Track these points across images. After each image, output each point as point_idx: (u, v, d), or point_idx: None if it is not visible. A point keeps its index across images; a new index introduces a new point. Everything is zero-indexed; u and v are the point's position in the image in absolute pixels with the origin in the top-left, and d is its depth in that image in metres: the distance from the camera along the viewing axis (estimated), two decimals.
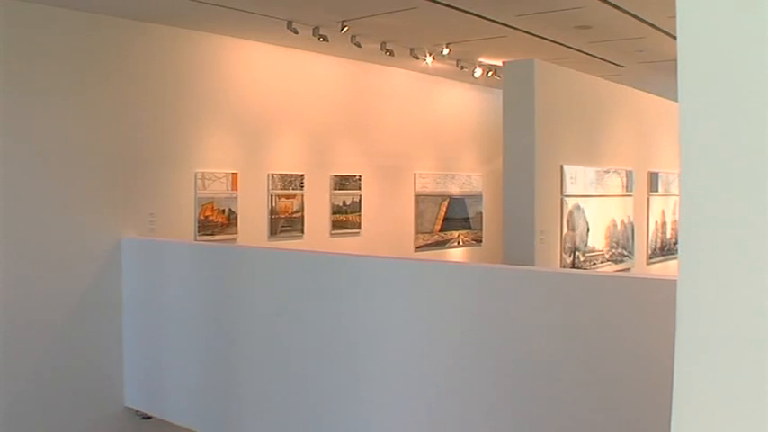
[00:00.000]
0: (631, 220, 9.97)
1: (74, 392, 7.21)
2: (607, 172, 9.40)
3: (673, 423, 1.26)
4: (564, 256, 8.52)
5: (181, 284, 6.86)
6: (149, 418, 7.50)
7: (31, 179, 6.90)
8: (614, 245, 9.55)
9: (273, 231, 8.91)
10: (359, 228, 9.96)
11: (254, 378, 6.06)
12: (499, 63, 9.68)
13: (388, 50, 9.00)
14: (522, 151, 8.06)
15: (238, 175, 8.54)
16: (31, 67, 6.87)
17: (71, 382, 7.18)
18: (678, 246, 1.27)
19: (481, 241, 11.96)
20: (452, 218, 11.52)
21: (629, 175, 9.89)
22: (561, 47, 9.04)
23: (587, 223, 8.98)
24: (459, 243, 11.57)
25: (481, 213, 11.99)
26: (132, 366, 7.40)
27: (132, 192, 7.58)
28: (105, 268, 7.33)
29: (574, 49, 9.19)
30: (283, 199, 9.02)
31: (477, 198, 11.94)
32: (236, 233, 8.48)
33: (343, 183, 9.77)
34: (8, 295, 6.75)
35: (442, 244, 11.28)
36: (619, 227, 9.66)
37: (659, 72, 10.59)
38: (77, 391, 7.23)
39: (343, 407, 5.34)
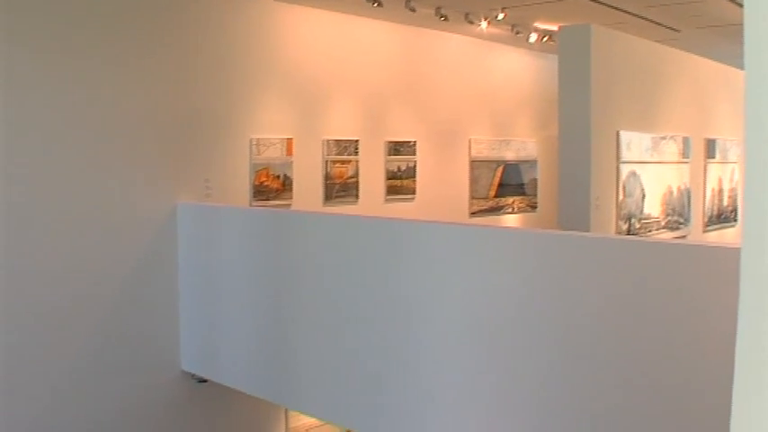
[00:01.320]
0: (687, 186, 9.82)
1: (131, 357, 7.27)
2: (663, 138, 9.25)
3: (734, 398, 1.20)
4: (619, 222, 8.41)
5: (236, 249, 6.86)
6: (205, 381, 7.54)
7: (89, 146, 6.93)
8: (670, 212, 9.41)
9: (328, 197, 8.89)
10: (413, 193, 9.90)
11: (309, 343, 6.06)
12: (554, 28, 9.53)
13: (442, 15, 8.90)
14: (577, 117, 7.96)
15: (293, 140, 8.52)
16: (86, 35, 6.88)
17: (129, 347, 7.24)
18: (741, 214, 1.20)
19: (536, 207, 11.86)
20: (507, 184, 11.42)
21: (685, 141, 9.73)
22: (617, 11, 8.87)
23: (643, 190, 8.86)
24: (513, 209, 11.48)
25: (536, 179, 11.87)
26: (188, 331, 7.43)
27: (188, 158, 7.60)
28: (161, 234, 7.36)
29: (630, 13, 9.01)
30: (338, 164, 9.00)
31: (531, 164, 11.82)
32: (290, 199, 8.47)
33: (397, 148, 9.71)
34: (67, 262, 6.81)
35: (496, 210, 11.19)
36: (675, 194, 9.52)
37: (715, 37, 10.38)
38: (135, 356, 7.29)
39: (397, 371, 5.31)
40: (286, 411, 8.60)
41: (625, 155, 8.41)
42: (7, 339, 6.55)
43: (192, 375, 7.57)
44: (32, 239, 6.62)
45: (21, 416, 6.68)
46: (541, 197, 11.90)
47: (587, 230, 7.57)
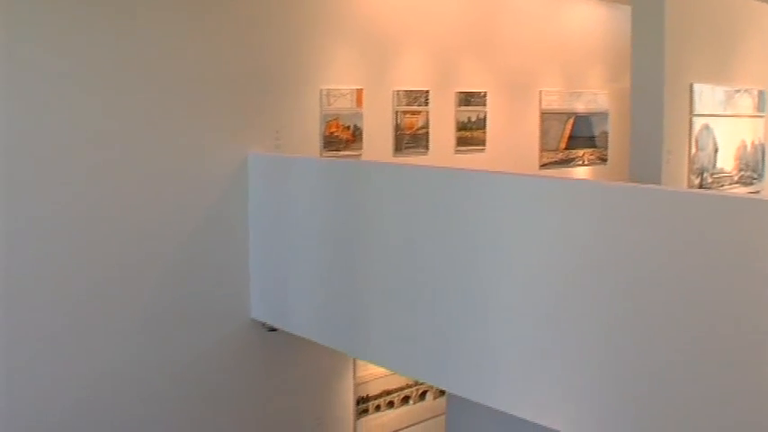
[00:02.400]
0: (762, 141, 9.58)
1: (202, 306, 7.32)
2: (738, 92, 9.02)
3: None
4: (691, 177, 8.25)
5: (306, 200, 6.85)
6: (275, 330, 7.57)
7: (159, 98, 6.94)
8: (743, 167, 9.20)
9: (398, 147, 8.83)
10: (483, 144, 9.79)
11: (378, 293, 6.04)
12: None
13: None
14: (650, 69, 7.79)
15: (363, 91, 8.46)
16: None
17: (199, 296, 7.29)
18: None
19: (606, 160, 11.67)
20: (577, 136, 11.24)
21: (760, 95, 9.47)
22: None
23: (716, 144, 8.66)
24: (583, 161, 11.31)
25: (606, 132, 11.67)
26: (258, 280, 7.46)
27: (258, 109, 7.58)
28: (232, 184, 7.36)
29: None
30: (408, 115, 8.92)
31: (602, 116, 11.61)
32: (360, 149, 8.43)
33: (468, 99, 9.60)
34: (138, 213, 6.86)
35: (566, 162, 11.04)
36: (749, 148, 9.29)
37: None
38: (205, 305, 7.34)
39: (465, 324, 5.27)
40: (354, 361, 8.62)
41: (698, 108, 8.23)
42: (81, 290, 6.64)
43: (262, 324, 7.60)
44: (105, 192, 6.67)
45: (92, 367, 6.77)
46: (612, 150, 11.70)
47: (659, 184, 7.43)
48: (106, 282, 6.76)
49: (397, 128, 8.80)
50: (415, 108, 8.96)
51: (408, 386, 9.22)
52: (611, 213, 4.48)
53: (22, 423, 6.42)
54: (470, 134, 9.63)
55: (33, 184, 6.34)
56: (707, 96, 8.37)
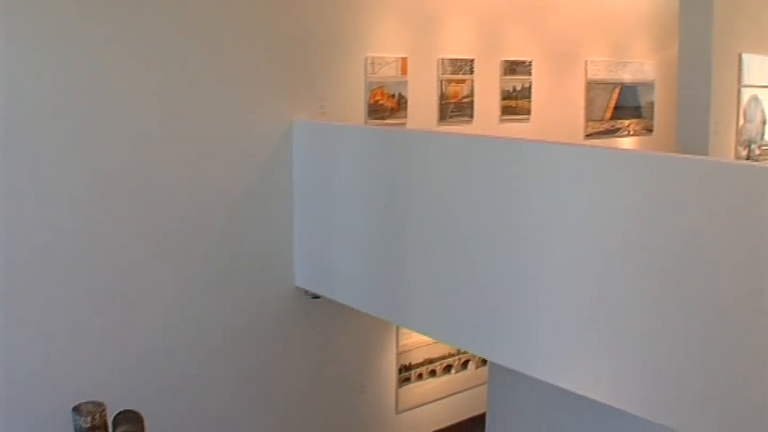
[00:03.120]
0: None
1: (247, 273, 7.34)
2: None
3: None
4: (738, 148, 8.12)
5: (350, 168, 6.81)
6: (318, 297, 7.57)
7: (206, 66, 6.94)
8: None
9: (443, 116, 8.76)
10: (528, 114, 9.69)
11: (421, 262, 6.00)
12: None
13: None
14: (698, 39, 7.66)
15: (408, 59, 8.39)
16: None
17: (244, 263, 7.31)
18: None
19: (652, 131, 11.50)
20: (623, 106, 11.09)
21: None
22: None
23: (764, 115, 8.52)
24: (629, 132, 11.17)
25: (653, 102, 11.50)
26: (302, 248, 7.44)
27: (304, 76, 7.54)
28: (277, 151, 7.34)
29: None
30: (453, 83, 8.84)
31: (648, 86, 11.43)
32: (405, 118, 8.36)
33: (513, 68, 9.49)
34: (184, 179, 6.88)
35: (611, 132, 10.91)
36: None
37: None
38: (250, 273, 7.36)
39: (508, 293, 5.22)
40: (397, 329, 8.61)
41: (747, 79, 8.08)
42: (130, 256, 6.69)
43: (306, 291, 7.60)
44: (153, 159, 6.70)
45: (139, 331, 6.85)
46: (658, 120, 11.53)
47: (705, 155, 7.32)
48: (154, 249, 6.81)
49: (442, 96, 8.73)
50: (459, 76, 8.88)
51: (451, 355, 9.20)
52: (656, 184, 4.40)
53: (82, 385, 6.48)
54: (515, 103, 9.53)
55: (84, 151, 6.38)
56: (756, 67, 8.22)
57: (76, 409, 6.09)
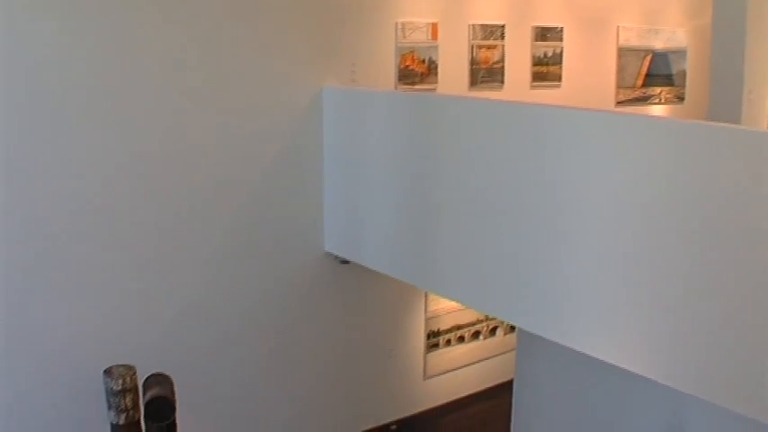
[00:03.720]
0: None
1: (276, 239, 7.32)
2: None
3: None
4: None
5: (380, 133, 6.74)
6: (347, 263, 7.54)
7: (237, 28, 6.88)
8: None
9: (473, 81, 8.66)
10: (559, 80, 9.55)
11: (451, 227, 5.94)
12: None
13: None
14: (732, 6, 7.52)
15: (439, 24, 8.28)
16: None
17: (273, 228, 7.28)
18: None
19: (683, 99, 11.34)
20: (655, 74, 10.94)
21: None
22: None
23: None
24: (660, 99, 11.02)
25: (685, 70, 11.33)
26: (332, 213, 7.41)
27: (334, 42, 7.46)
28: (307, 117, 7.28)
29: None
30: (484, 49, 8.73)
31: (681, 54, 11.26)
32: (436, 83, 8.27)
33: (544, 34, 9.36)
34: (215, 144, 6.84)
35: (643, 100, 10.76)
36: None
37: None
38: (279, 238, 7.34)
39: (537, 260, 5.16)
40: (426, 295, 8.58)
41: None
42: (160, 222, 6.68)
43: (335, 257, 7.58)
44: (182, 124, 6.66)
45: (169, 297, 6.87)
46: (690, 88, 11.37)
47: (738, 124, 7.19)
48: (185, 214, 6.80)
49: (473, 62, 8.62)
50: (490, 42, 8.77)
51: (479, 321, 9.16)
52: (688, 152, 4.30)
53: (113, 349, 6.53)
54: (546, 69, 9.41)
55: (116, 119, 6.35)
56: None
57: (107, 372, 6.13)
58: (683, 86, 11.30)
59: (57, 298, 6.34)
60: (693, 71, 11.22)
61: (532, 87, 9.26)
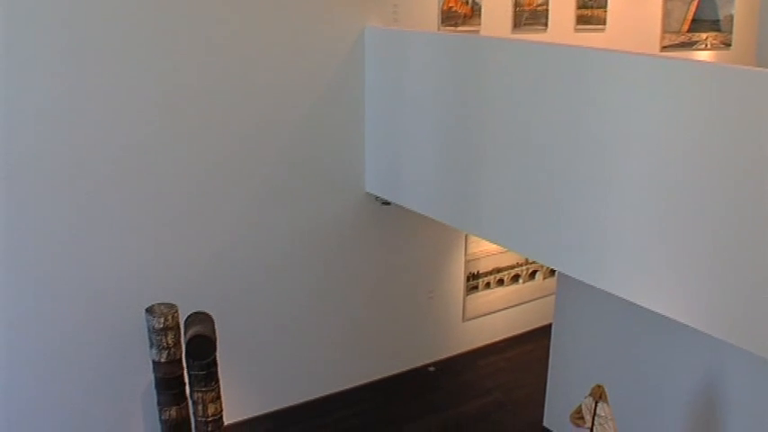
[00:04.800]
0: None
1: (317, 180, 7.26)
2: None
3: None
4: None
5: (422, 75, 6.61)
6: (388, 204, 7.47)
7: None
8: None
9: (517, 24, 8.45)
10: (604, 23, 9.31)
11: (493, 170, 5.83)
12: None
13: None
14: None
15: None
16: None
17: (314, 169, 7.22)
18: None
19: (730, 45, 11.05)
20: (701, 19, 10.65)
21: None
22: None
23: None
24: (706, 45, 10.74)
25: (732, 15, 11.03)
26: (373, 154, 7.32)
27: None
28: (348, 58, 7.16)
29: None
30: None
31: None
32: (479, 25, 8.09)
33: None
34: (258, 86, 6.76)
35: (688, 45, 10.50)
36: None
37: None
38: (320, 179, 7.28)
39: (578, 205, 5.04)
40: (466, 237, 8.51)
41: None
42: (202, 165, 6.64)
43: (376, 198, 7.51)
44: (224, 66, 6.59)
45: (211, 237, 6.87)
46: (737, 35, 11.06)
47: None
48: (227, 158, 6.77)
49: (516, 4, 8.42)
50: None
51: (519, 265, 9.08)
52: (733, 98, 4.14)
53: (155, 288, 6.60)
54: (590, 12, 9.18)
55: (156, 62, 6.28)
56: None
57: (150, 311, 6.15)
58: (730, 32, 11.00)
59: (101, 240, 6.36)
60: (741, 16, 10.91)
61: (576, 30, 9.04)
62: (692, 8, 10.43)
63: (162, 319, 6.07)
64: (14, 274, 6.09)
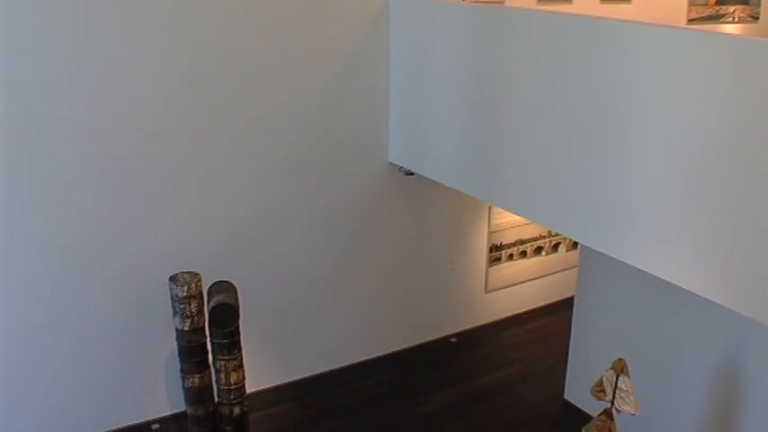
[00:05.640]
0: None
1: (341, 149, 7.22)
2: None
3: None
4: None
5: (447, 45, 6.53)
6: (412, 174, 7.43)
7: None
8: None
9: None
10: None
11: (516, 142, 5.76)
12: None
13: None
14: None
15: None
16: None
17: (338, 139, 7.18)
18: None
19: (758, 18, 10.89)
20: None
21: None
22: None
23: None
24: (734, 18, 10.59)
25: None
26: (397, 124, 7.27)
27: None
28: (373, 26, 7.07)
29: None
30: None
31: None
32: None
33: None
34: (282, 55, 6.70)
35: (715, 18, 10.34)
36: None
37: None
38: (344, 149, 7.24)
39: (604, 176, 4.97)
40: (489, 208, 8.45)
41: None
42: (226, 133, 6.63)
43: (400, 168, 7.47)
44: (246, 34, 6.53)
45: (234, 206, 6.88)
46: (765, 7, 10.91)
47: None
48: (250, 126, 6.74)
49: None
50: None
51: (542, 237, 9.03)
52: (759, 71, 4.04)
53: (179, 257, 6.62)
54: None
55: (181, 33, 6.24)
56: None
57: (173, 279, 6.15)
58: (759, 5, 10.84)
59: (126, 209, 6.37)
60: None
61: (602, 2, 8.91)
62: None
63: (185, 288, 6.07)
64: (41, 246, 6.12)
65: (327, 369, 7.88)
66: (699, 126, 4.31)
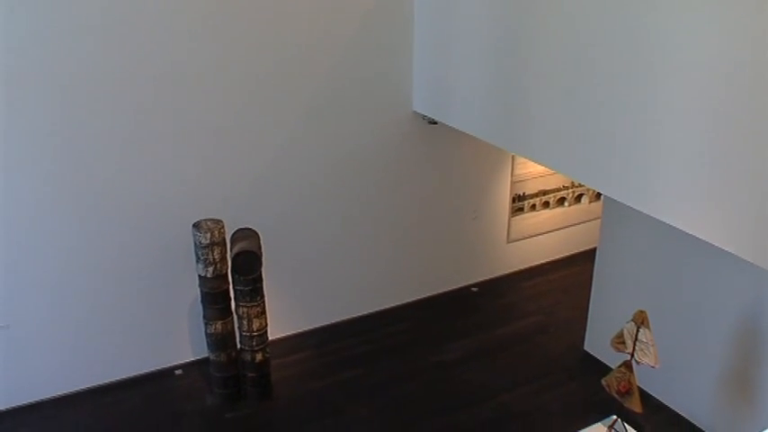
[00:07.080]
0: None
1: (365, 98, 7.17)
2: None
3: None
4: None
5: None
6: (435, 123, 7.37)
7: None
8: None
9: None
10: None
11: (542, 91, 5.68)
12: None
13: None
14: None
15: None
16: None
17: (363, 87, 7.12)
18: None
19: None
20: None
21: None
22: None
23: None
24: None
25: None
26: (421, 73, 7.19)
27: None
28: None
29: None
30: None
31: None
32: None
33: None
34: (309, 3, 6.64)
35: None
36: None
37: None
38: (369, 97, 7.18)
39: (629, 127, 4.90)
40: (513, 158, 8.39)
41: None
42: (251, 82, 6.61)
43: (423, 117, 7.41)
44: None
45: (258, 154, 6.87)
46: None
47: None
48: (274, 74, 6.68)
49: None
50: None
51: (565, 188, 8.96)
52: None
53: (203, 204, 6.63)
54: None
55: None
56: None
57: (196, 226, 6.15)
58: None
59: (150, 156, 6.36)
60: None
61: None
62: None
63: (208, 235, 6.08)
64: (67, 196, 6.14)
65: (349, 317, 7.90)
66: (724, 77, 4.23)
